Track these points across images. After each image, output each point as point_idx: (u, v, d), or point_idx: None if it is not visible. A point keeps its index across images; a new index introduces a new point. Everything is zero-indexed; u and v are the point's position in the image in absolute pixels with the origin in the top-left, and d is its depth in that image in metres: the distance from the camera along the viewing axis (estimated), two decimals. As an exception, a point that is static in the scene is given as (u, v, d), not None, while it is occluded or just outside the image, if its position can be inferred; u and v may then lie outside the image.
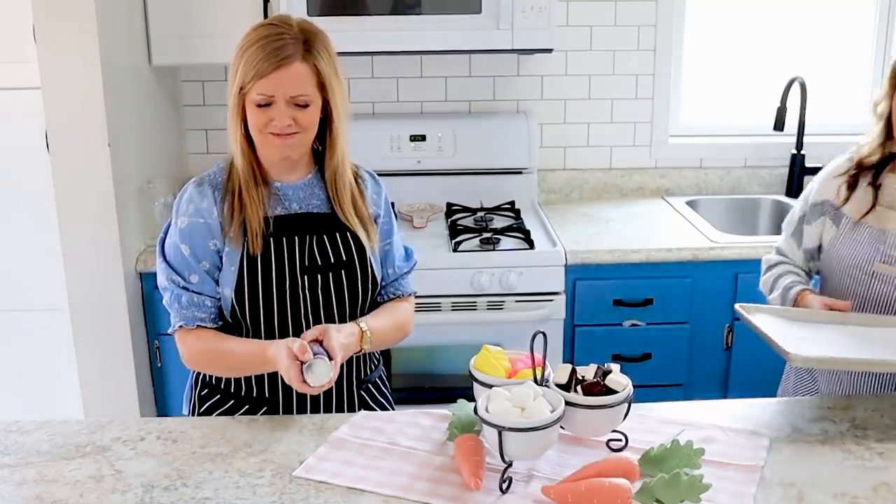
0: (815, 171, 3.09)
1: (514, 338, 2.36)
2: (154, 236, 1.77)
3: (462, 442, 1.43)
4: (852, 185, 1.83)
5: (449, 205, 2.97)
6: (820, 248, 1.88)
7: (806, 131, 3.10)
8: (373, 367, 1.85)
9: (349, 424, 1.57)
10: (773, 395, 1.95)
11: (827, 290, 1.87)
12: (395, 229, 1.86)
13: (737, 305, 1.74)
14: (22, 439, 1.54)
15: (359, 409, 1.77)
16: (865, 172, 1.84)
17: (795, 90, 3.03)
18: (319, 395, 1.74)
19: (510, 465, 1.36)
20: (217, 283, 1.70)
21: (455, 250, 2.57)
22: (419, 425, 1.56)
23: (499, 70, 3.09)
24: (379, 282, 1.78)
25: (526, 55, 3.03)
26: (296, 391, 1.72)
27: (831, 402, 1.64)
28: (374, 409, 1.80)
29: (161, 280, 1.72)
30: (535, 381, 1.44)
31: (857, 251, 1.78)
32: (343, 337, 1.61)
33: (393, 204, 1.89)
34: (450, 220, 2.85)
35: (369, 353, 1.83)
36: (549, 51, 2.71)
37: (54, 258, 2.48)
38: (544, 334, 1.44)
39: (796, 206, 1.97)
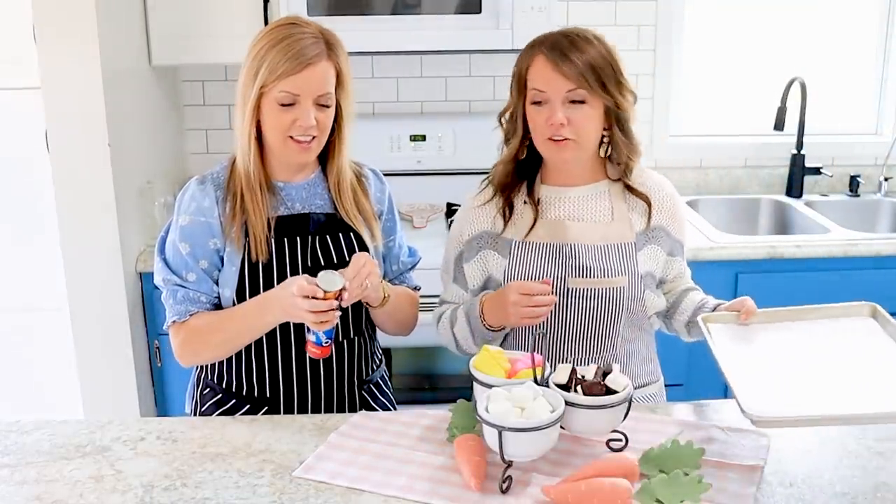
0: (815, 171, 3.13)
1: (514, 338, 2.35)
2: (154, 236, 1.77)
3: (462, 442, 1.42)
4: (509, 211, 1.73)
5: (449, 205, 2.97)
6: (487, 282, 1.77)
7: (806, 131, 3.11)
8: (374, 368, 1.85)
9: (349, 424, 1.57)
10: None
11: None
12: (398, 226, 1.86)
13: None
14: (22, 439, 1.53)
15: (360, 410, 1.77)
16: (515, 192, 1.74)
17: (795, 90, 3.03)
18: (320, 394, 1.74)
19: (510, 465, 1.36)
20: (216, 282, 1.70)
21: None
22: (419, 425, 1.56)
23: (499, 70, 3.09)
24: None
25: (526, 55, 3.03)
26: (296, 390, 1.73)
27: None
28: (376, 409, 1.80)
29: (157, 279, 1.73)
30: (535, 381, 1.44)
31: (545, 273, 1.69)
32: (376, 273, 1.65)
33: (394, 203, 1.90)
34: (450, 220, 2.85)
35: (371, 353, 1.83)
36: (549, 51, 2.71)
37: (54, 258, 2.48)
38: (544, 334, 1.44)
39: (447, 251, 1.83)
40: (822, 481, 1.38)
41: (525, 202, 1.73)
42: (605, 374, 1.45)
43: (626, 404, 1.43)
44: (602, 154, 1.72)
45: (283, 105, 1.60)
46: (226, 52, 1.91)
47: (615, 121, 1.68)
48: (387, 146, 2.99)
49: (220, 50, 2.56)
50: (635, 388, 1.76)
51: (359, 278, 1.59)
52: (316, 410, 1.74)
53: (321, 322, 1.56)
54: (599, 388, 1.42)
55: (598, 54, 1.63)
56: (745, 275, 2.60)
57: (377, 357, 1.87)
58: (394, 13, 2.66)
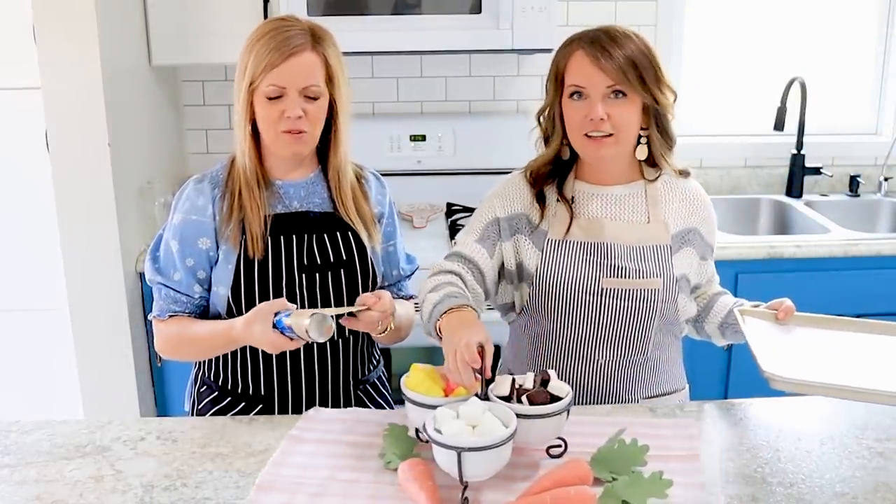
0: (815, 171, 3.13)
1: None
2: (154, 236, 1.78)
3: (411, 468, 1.35)
4: (542, 201, 1.70)
5: (449, 205, 2.97)
6: (520, 269, 1.71)
7: (806, 131, 3.11)
8: (371, 368, 1.85)
9: (273, 464, 1.42)
10: (773, 395, 1.94)
11: (545, 317, 1.70)
12: (398, 231, 1.86)
13: (736, 310, 1.72)
14: (22, 439, 1.53)
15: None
16: (548, 184, 1.72)
17: (795, 90, 3.03)
18: (315, 393, 1.75)
19: (466, 486, 1.31)
20: (200, 281, 1.71)
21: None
22: (350, 456, 1.45)
23: (499, 70, 3.09)
24: (379, 281, 1.78)
25: (526, 55, 3.03)
26: (291, 389, 1.74)
27: (831, 402, 1.64)
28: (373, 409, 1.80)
29: (146, 276, 1.76)
30: (478, 395, 1.39)
31: (579, 272, 1.66)
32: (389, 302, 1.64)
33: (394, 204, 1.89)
34: (450, 220, 2.85)
35: (368, 353, 1.83)
36: (549, 51, 2.71)
37: (54, 258, 2.48)
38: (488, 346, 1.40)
39: (481, 211, 1.75)
40: (823, 481, 1.38)
41: (557, 200, 1.70)
42: (543, 382, 1.43)
43: (568, 410, 1.41)
44: (640, 157, 1.68)
45: (270, 99, 1.61)
46: (226, 52, 1.90)
47: (654, 119, 1.65)
48: (387, 146, 2.99)
49: (220, 50, 2.56)
50: (662, 396, 1.77)
51: (364, 324, 1.62)
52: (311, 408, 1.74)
53: None
54: (545, 396, 1.40)
55: (637, 50, 1.60)
56: (745, 275, 2.60)
57: (374, 357, 1.87)
58: (394, 13, 2.66)
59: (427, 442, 1.42)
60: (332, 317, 1.55)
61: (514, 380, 1.43)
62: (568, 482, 1.30)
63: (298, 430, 1.53)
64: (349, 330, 1.74)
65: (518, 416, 1.35)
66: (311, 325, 1.51)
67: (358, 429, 1.54)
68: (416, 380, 1.44)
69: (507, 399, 1.40)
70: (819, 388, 1.45)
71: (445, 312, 1.52)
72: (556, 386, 1.42)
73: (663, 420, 1.59)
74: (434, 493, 1.30)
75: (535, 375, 1.44)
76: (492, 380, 1.42)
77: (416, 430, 1.46)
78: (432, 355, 2.70)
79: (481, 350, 1.39)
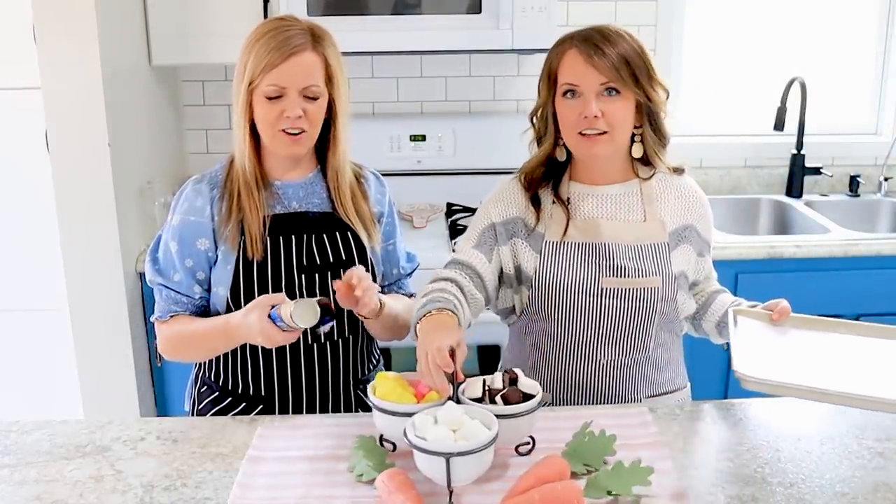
0: (815, 171, 3.13)
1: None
2: (154, 236, 1.78)
3: (391, 478, 1.32)
4: (537, 204, 1.70)
5: (449, 205, 2.97)
6: (518, 272, 1.71)
7: (806, 131, 3.11)
8: (371, 367, 1.85)
9: (239, 486, 1.38)
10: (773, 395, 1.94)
11: (545, 319, 1.70)
12: (398, 230, 1.86)
13: (730, 309, 1.70)
14: (22, 439, 1.54)
15: (356, 410, 1.77)
16: (542, 187, 1.72)
17: (795, 90, 3.03)
18: (315, 393, 1.74)
19: (452, 492, 1.30)
20: (199, 282, 1.71)
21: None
22: (319, 472, 1.41)
23: (499, 70, 3.09)
24: (379, 280, 1.78)
25: (526, 55, 3.03)
26: (291, 389, 1.74)
27: (831, 403, 1.64)
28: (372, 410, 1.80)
29: (147, 277, 1.76)
30: (451, 398, 1.38)
31: (578, 273, 1.66)
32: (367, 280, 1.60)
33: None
34: (450, 220, 2.85)
35: (368, 352, 1.83)
36: (549, 51, 2.71)
37: (54, 258, 2.48)
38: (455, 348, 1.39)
39: (477, 218, 1.76)
40: (823, 481, 1.38)
41: (553, 202, 1.70)
42: (512, 381, 1.43)
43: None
44: (636, 154, 1.69)
45: (270, 98, 1.61)
46: (226, 52, 1.91)
47: (647, 117, 1.65)
48: (387, 146, 2.99)
49: (220, 50, 2.56)
50: (664, 395, 1.77)
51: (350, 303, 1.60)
52: (311, 410, 1.74)
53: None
54: (518, 395, 1.40)
55: (629, 48, 1.61)
56: (745, 275, 2.60)
57: (374, 357, 1.87)
58: (394, 13, 2.66)
59: (395, 450, 1.43)
60: (318, 302, 1.54)
61: (484, 381, 1.43)
62: (549, 478, 1.31)
63: (256, 449, 1.48)
64: (349, 330, 1.75)
65: (500, 416, 1.35)
66: (294, 310, 1.51)
67: (320, 443, 1.50)
68: (385, 388, 1.42)
69: (480, 400, 1.40)
70: (791, 390, 1.45)
71: (424, 316, 1.52)
72: (526, 384, 1.43)
73: (620, 410, 1.61)
74: (419, 501, 1.29)
75: (504, 375, 1.44)
76: (462, 382, 1.42)
77: (381, 439, 1.45)
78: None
79: (453, 353, 1.38)
